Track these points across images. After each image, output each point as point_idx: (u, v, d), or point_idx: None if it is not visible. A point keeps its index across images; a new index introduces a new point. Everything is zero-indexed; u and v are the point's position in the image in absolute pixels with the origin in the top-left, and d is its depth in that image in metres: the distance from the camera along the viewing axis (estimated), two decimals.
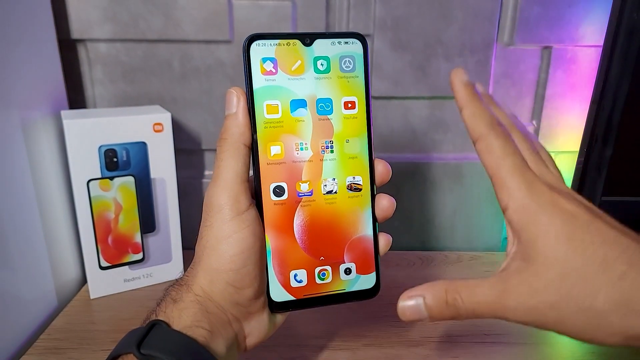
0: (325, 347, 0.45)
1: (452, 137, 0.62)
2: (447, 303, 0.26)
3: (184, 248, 0.56)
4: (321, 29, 0.58)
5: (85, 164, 0.48)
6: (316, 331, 0.47)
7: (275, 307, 0.31)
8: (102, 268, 0.52)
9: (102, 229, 0.51)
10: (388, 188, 0.39)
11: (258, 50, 0.29)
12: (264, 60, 0.29)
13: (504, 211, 0.27)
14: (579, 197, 0.27)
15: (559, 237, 0.24)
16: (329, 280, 0.31)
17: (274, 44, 0.29)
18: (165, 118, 0.51)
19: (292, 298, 0.31)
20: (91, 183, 0.49)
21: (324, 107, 0.30)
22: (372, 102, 0.38)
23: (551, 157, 0.30)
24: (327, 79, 0.30)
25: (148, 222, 0.53)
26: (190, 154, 0.62)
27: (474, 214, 0.65)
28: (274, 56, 0.29)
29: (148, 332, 0.26)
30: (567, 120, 0.61)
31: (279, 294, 0.31)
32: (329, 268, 0.31)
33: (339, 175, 0.30)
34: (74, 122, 0.48)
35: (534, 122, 0.62)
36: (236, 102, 0.29)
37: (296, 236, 0.30)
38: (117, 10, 0.56)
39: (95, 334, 0.46)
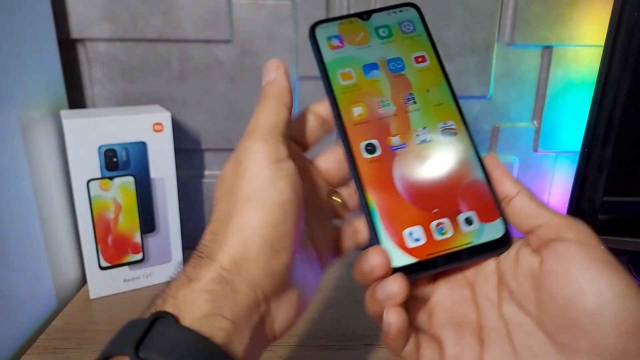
0: (325, 347, 0.45)
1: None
2: None
3: (183, 248, 0.56)
4: None
5: (85, 164, 0.48)
6: (316, 331, 0.47)
7: None
8: (101, 268, 0.52)
9: (102, 229, 0.51)
10: None
11: (322, 32, 0.31)
12: (330, 37, 0.31)
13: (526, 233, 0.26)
14: None
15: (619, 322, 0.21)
16: (450, 234, 0.28)
17: (335, 24, 0.32)
18: (165, 118, 0.51)
19: (414, 260, 0.27)
20: (91, 183, 0.49)
21: (395, 65, 0.31)
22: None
23: None
24: (391, 42, 0.31)
25: (148, 222, 0.53)
26: (190, 153, 0.62)
27: None
28: (338, 33, 0.31)
29: (150, 328, 0.21)
30: (567, 120, 0.61)
31: (398, 258, 0.27)
32: (446, 220, 0.28)
33: (430, 123, 0.30)
34: (74, 122, 0.47)
35: (535, 122, 0.62)
36: (275, 68, 0.29)
37: (400, 190, 0.28)
38: (116, 10, 0.56)
39: (95, 334, 0.46)
